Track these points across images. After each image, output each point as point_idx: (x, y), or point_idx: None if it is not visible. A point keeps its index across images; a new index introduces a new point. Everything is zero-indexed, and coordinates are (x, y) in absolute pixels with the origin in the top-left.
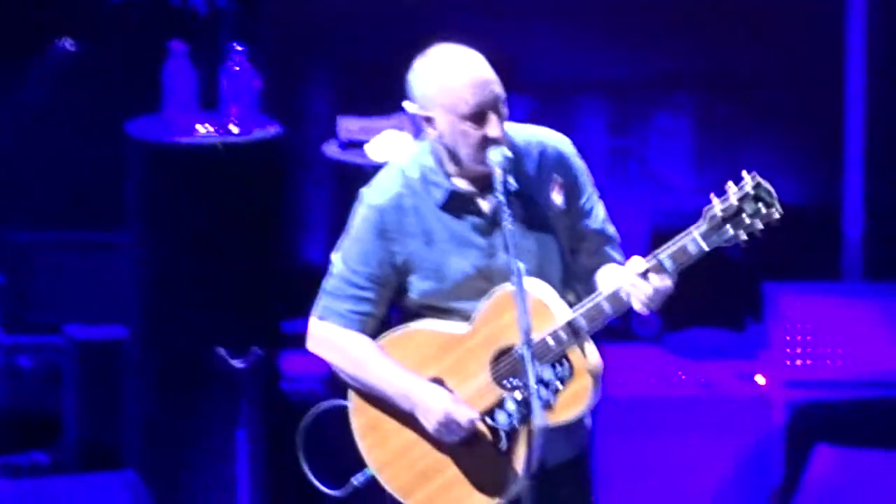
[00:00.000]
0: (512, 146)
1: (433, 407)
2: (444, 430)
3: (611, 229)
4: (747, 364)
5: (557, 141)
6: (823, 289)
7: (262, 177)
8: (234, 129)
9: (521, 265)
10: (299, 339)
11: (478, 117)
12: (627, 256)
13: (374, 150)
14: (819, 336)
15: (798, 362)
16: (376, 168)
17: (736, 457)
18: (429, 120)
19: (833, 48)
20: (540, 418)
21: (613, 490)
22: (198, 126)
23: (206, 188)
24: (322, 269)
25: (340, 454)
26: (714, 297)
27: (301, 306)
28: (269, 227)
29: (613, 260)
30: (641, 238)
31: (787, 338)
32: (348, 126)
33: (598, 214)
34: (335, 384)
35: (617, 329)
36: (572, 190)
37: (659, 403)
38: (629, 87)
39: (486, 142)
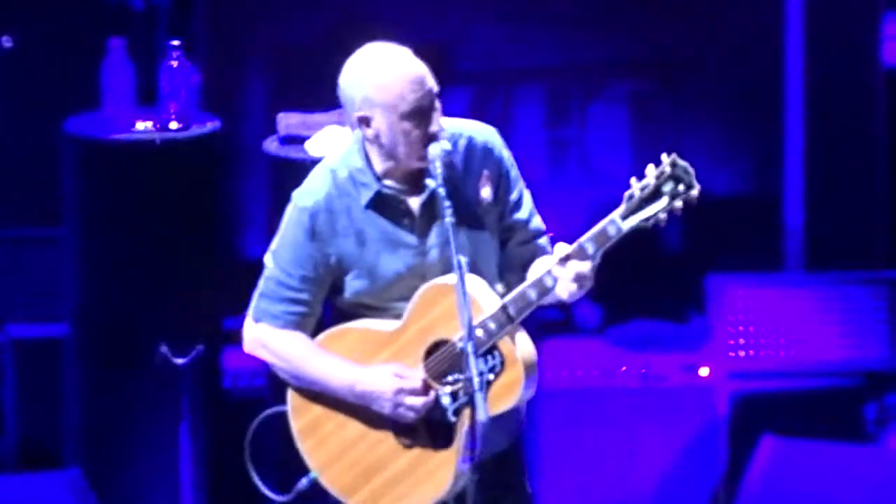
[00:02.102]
0: None
1: (382, 389)
2: (401, 408)
3: (538, 220)
4: (690, 356)
5: (484, 133)
6: (766, 280)
7: (201, 172)
8: (174, 125)
9: (463, 258)
10: (240, 335)
11: (417, 115)
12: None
13: (315, 146)
14: (762, 327)
15: (741, 353)
16: (316, 163)
17: (680, 448)
18: (366, 121)
19: (771, 35)
20: (483, 413)
21: (557, 483)
22: (137, 123)
23: (143, 184)
24: (262, 265)
25: (289, 460)
26: (656, 289)
27: (241, 302)
28: (208, 224)
29: (544, 251)
30: (580, 230)
31: (730, 329)
32: (288, 121)
33: (526, 206)
34: (277, 381)
35: (559, 322)
36: (500, 182)
37: (602, 395)
38: (566, 77)
39: (427, 138)
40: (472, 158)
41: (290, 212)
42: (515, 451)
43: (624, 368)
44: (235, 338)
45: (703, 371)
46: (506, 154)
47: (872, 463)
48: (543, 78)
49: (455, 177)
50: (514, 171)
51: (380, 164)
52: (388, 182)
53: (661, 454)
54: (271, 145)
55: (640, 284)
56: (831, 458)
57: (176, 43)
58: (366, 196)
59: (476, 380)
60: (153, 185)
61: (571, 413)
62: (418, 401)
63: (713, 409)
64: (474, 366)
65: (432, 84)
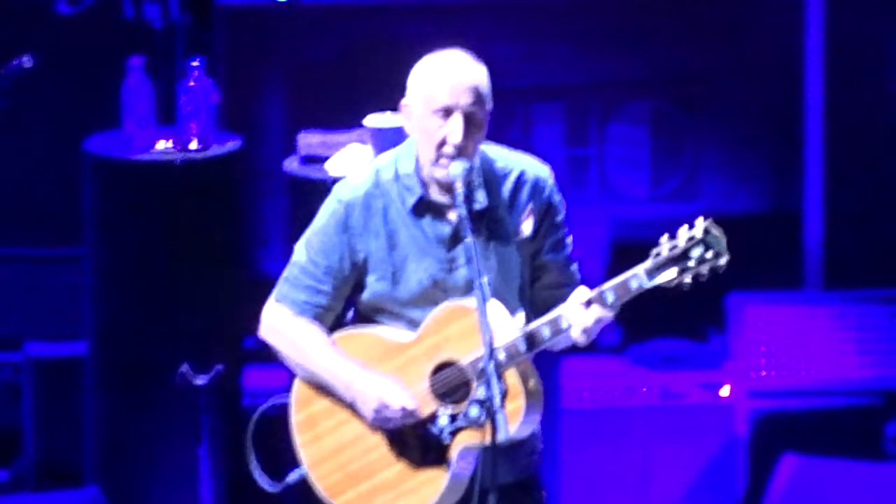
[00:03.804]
0: (490, 167)
1: (370, 394)
2: (378, 416)
3: (573, 270)
4: (711, 374)
5: (537, 170)
6: (786, 298)
7: (222, 192)
8: (194, 145)
9: (485, 279)
10: (261, 354)
11: (444, 116)
12: (588, 267)
13: (335, 165)
14: (782, 346)
15: (761, 372)
16: (336, 183)
17: (700, 467)
18: (406, 109)
19: (791, 53)
20: (503, 433)
21: (577, 501)
22: (158, 142)
23: (164, 204)
24: None
25: (290, 451)
26: (677, 308)
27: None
28: (228, 243)
29: None
30: (601, 248)
31: (750, 347)
32: (308, 140)
33: (564, 252)
34: None
35: None
36: (543, 221)
37: (622, 414)
38: (585, 95)
39: (444, 145)
40: (520, 191)
41: (327, 202)
42: (529, 484)
43: (644, 387)
44: (255, 357)
45: (724, 390)
46: (556, 197)
47: (892, 482)
48: (562, 96)
49: (499, 203)
50: (561, 217)
51: (425, 170)
52: (432, 190)
53: (682, 472)
54: (292, 165)
55: (661, 303)
56: (852, 477)
57: (195, 62)
58: (410, 200)
59: (497, 399)
60: (173, 205)
61: (592, 431)
62: (395, 416)
63: (733, 427)
64: (496, 386)
65: (475, 99)
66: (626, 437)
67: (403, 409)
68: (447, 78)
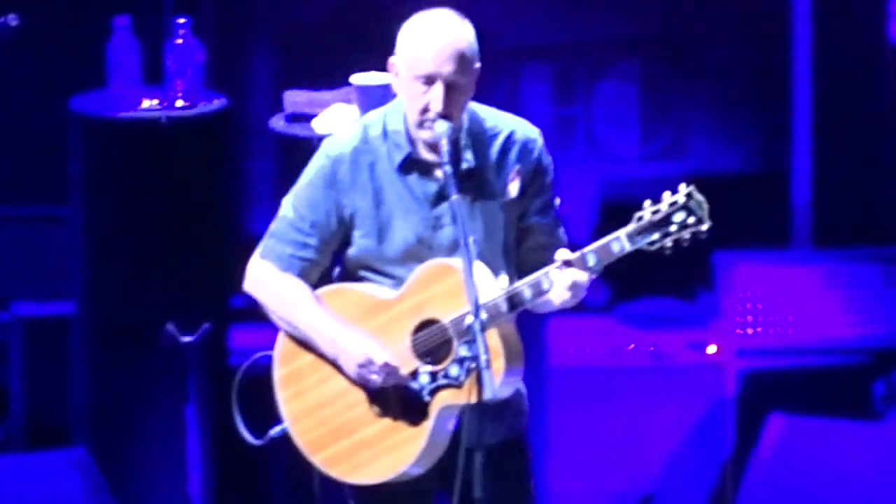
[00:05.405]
0: (479, 127)
1: (354, 351)
2: (363, 371)
3: (560, 233)
4: (698, 333)
5: (525, 131)
6: (774, 257)
7: (208, 150)
8: (180, 103)
9: (471, 238)
10: (247, 313)
11: (428, 82)
12: (576, 226)
13: (321, 123)
14: (770, 304)
15: (749, 330)
16: (322, 141)
17: (688, 426)
18: (393, 69)
19: (779, 12)
20: (489, 391)
21: (564, 461)
22: (144, 101)
23: (150, 162)
24: None
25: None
26: (664, 267)
27: None
28: (215, 201)
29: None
30: (589, 207)
31: (738, 306)
32: (294, 99)
33: (551, 215)
34: None
35: None
36: (531, 183)
37: (610, 373)
38: (573, 54)
39: (426, 111)
40: (508, 152)
41: (316, 157)
42: (516, 445)
43: (632, 346)
44: (242, 316)
45: (712, 348)
46: (545, 159)
47: (880, 440)
48: (550, 55)
49: (486, 164)
50: (549, 179)
51: (411, 130)
52: (420, 148)
53: (670, 432)
54: (278, 123)
55: (648, 262)
56: (839, 436)
57: (182, 20)
58: (397, 157)
59: (483, 358)
60: (159, 163)
61: (579, 391)
62: (380, 374)
63: (721, 386)
64: (482, 343)
65: (458, 67)
66: (613, 396)
67: (387, 365)
68: (430, 44)
